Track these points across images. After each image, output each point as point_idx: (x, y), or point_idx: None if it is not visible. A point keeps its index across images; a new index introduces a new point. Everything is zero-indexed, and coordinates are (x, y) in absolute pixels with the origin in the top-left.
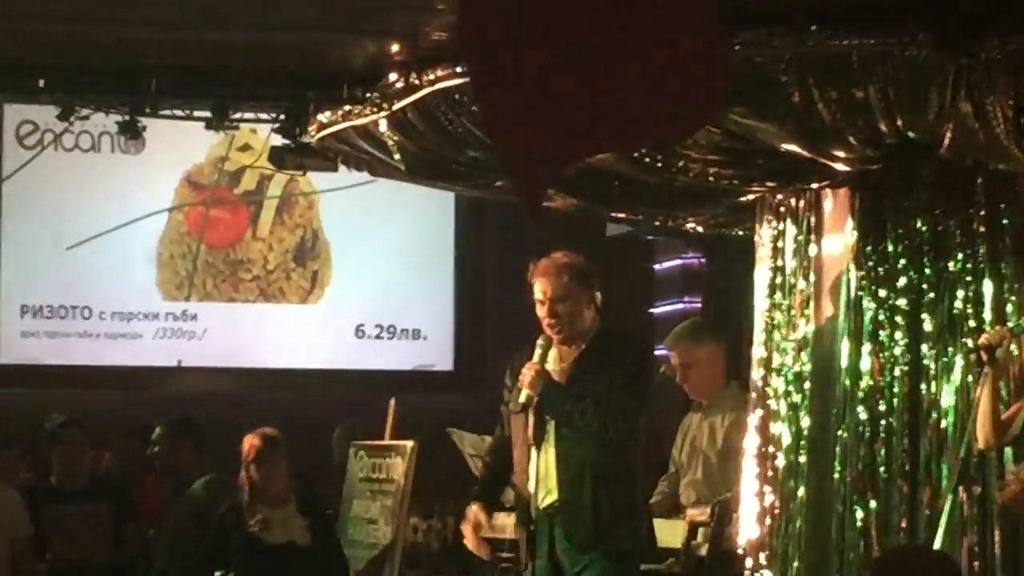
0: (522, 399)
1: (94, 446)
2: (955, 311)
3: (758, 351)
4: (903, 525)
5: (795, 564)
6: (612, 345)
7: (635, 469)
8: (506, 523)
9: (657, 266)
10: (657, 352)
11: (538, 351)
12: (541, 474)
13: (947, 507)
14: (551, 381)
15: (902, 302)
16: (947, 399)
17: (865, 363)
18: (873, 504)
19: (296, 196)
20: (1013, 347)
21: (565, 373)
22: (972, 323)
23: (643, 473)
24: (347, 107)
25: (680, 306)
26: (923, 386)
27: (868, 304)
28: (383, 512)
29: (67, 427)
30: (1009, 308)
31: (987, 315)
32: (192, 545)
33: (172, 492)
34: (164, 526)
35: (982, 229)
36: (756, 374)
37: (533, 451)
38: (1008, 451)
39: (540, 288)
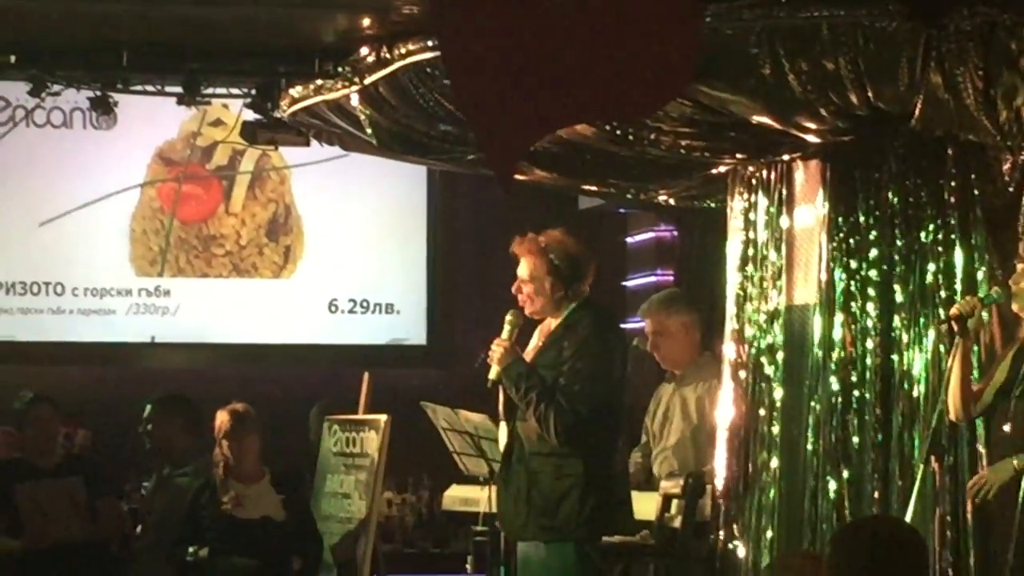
0: (491, 375)
1: (66, 423)
2: (926, 282)
3: (730, 323)
4: (875, 496)
5: (768, 535)
6: (573, 334)
7: (583, 460)
8: (480, 497)
9: (629, 239)
10: (629, 325)
11: (507, 327)
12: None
13: (919, 477)
14: (515, 359)
15: (873, 273)
16: (919, 370)
17: (837, 334)
18: (845, 475)
19: (268, 171)
20: (984, 317)
21: (535, 352)
22: (943, 294)
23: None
24: (319, 81)
25: (652, 279)
26: (895, 357)
27: (840, 275)
28: (357, 486)
29: (37, 404)
30: (980, 278)
31: (958, 286)
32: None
33: (166, 469)
34: (151, 504)
35: (953, 200)
36: (728, 346)
37: (503, 425)
38: (979, 421)
39: (520, 263)
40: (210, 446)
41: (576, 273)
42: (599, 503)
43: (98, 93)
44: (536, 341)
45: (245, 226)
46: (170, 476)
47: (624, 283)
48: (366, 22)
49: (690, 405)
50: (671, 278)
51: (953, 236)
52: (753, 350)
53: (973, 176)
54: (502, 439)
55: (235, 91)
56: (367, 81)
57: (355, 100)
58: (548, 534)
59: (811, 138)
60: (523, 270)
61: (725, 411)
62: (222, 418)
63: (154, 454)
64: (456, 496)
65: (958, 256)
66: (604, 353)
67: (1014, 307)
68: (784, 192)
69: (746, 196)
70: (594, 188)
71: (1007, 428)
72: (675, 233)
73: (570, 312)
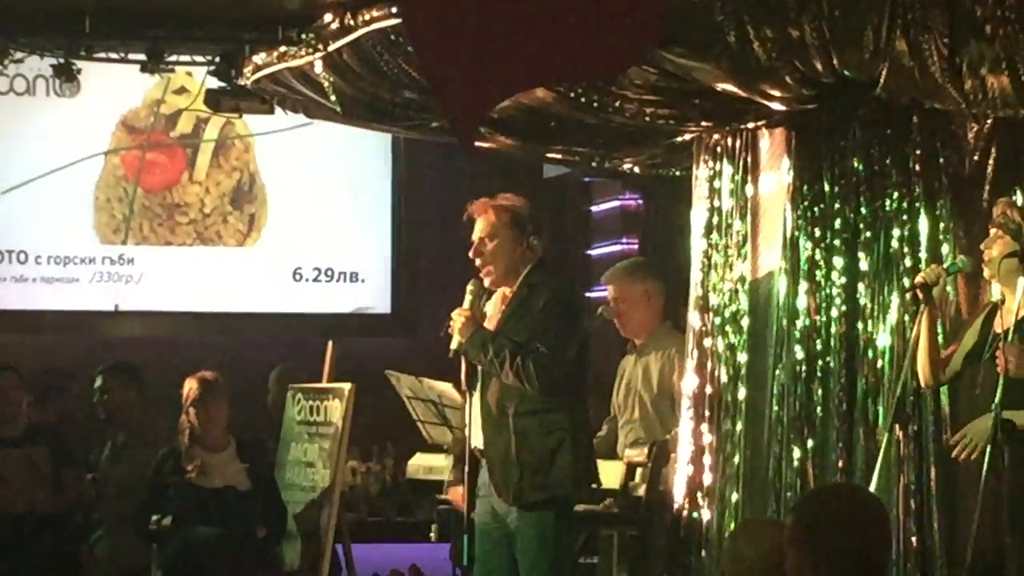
0: (453, 345)
1: (30, 392)
2: (891, 250)
3: (695, 291)
4: (839, 464)
5: (732, 503)
6: (538, 292)
7: (566, 413)
8: (444, 466)
9: (594, 207)
10: (594, 294)
11: (468, 297)
12: (472, 418)
13: (883, 446)
14: (478, 328)
15: (838, 241)
16: (883, 338)
17: (802, 302)
18: (810, 443)
19: (232, 139)
20: (948, 286)
21: (497, 319)
22: (908, 262)
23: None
24: (282, 49)
25: (617, 247)
26: (859, 325)
27: (804, 243)
28: (321, 455)
29: (1, 373)
30: (945, 247)
31: (923, 254)
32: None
33: (120, 438)
34: (109, 474)
35: (918, 168)
36: (693, 314)
37: (468, 396)
38: (943, 389)
39: (475, 226)
40: (163, 414)
41: (533, 224)
42: (588, 457)
43: (61, 60)
44: (495, 310)
45: (209, 194)
46: (125, 445)
47: (589, 252)
48: None
49: (652, 374)
50: (636, 246)
51: (918, 204)
52: (718, 318)
53: (938, 144)
54: (474, 411)
55: (199, 58)
56: (331, 48)
57: (319, 67)
58: (544, 493)
59: (776, 106)
60: (482, 229)
61: (689, 378)
62: (190, 385)
63: (108, 424)
64: (420, 464)
65: (923, 224)
66: (572, 305)
67: (985, 273)
68: (749, 160)
69: (711, 164)
70: (559, 156)
71: (977, 392)
72: (640, 201)
73: (528, 273)
